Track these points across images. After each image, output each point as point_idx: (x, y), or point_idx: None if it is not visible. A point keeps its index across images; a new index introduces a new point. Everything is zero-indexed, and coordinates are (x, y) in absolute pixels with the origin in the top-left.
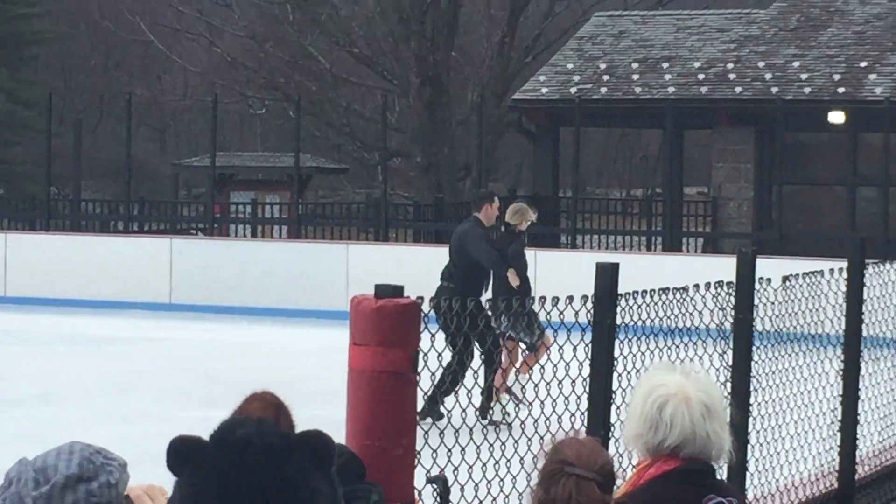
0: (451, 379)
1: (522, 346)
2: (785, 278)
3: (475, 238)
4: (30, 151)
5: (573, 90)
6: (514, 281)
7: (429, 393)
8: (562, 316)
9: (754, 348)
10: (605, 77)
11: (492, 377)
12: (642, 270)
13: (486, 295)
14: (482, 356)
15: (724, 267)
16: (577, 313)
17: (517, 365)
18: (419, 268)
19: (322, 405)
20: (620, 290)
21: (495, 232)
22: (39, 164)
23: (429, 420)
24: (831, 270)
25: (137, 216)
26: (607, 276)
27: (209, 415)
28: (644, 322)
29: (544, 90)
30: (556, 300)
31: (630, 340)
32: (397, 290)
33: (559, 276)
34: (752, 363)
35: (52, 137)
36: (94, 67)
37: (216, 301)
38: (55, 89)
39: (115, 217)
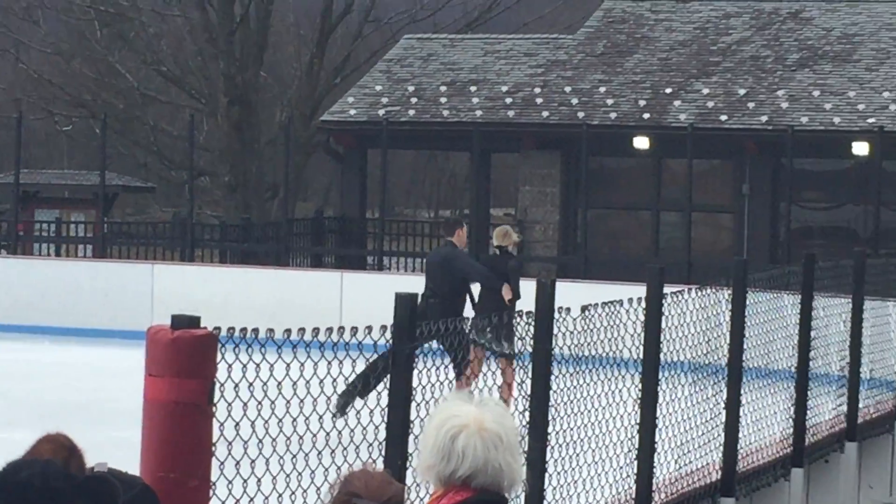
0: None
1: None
2: (584, 308)
3: (465, 258)
4: None
5: (381, 112)
6: (507, 295)
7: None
8: (360, 344)
9: (553, 377)
10: (414, 99)
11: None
12: None
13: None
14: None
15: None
16: (375, 343)
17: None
18: (225, 288)
19: (124, 427)
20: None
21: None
22: None
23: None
24: (630, 300)
25: None
26: (406, 305)
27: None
28: (444, 350)
29: (352, 111)
30: (354, 330)
31: (428, 370)
32: (193, 321)
33: (365, 298)
34: (551, 392)
35: None
36: None
37: (19, 320)
38: None
39: None
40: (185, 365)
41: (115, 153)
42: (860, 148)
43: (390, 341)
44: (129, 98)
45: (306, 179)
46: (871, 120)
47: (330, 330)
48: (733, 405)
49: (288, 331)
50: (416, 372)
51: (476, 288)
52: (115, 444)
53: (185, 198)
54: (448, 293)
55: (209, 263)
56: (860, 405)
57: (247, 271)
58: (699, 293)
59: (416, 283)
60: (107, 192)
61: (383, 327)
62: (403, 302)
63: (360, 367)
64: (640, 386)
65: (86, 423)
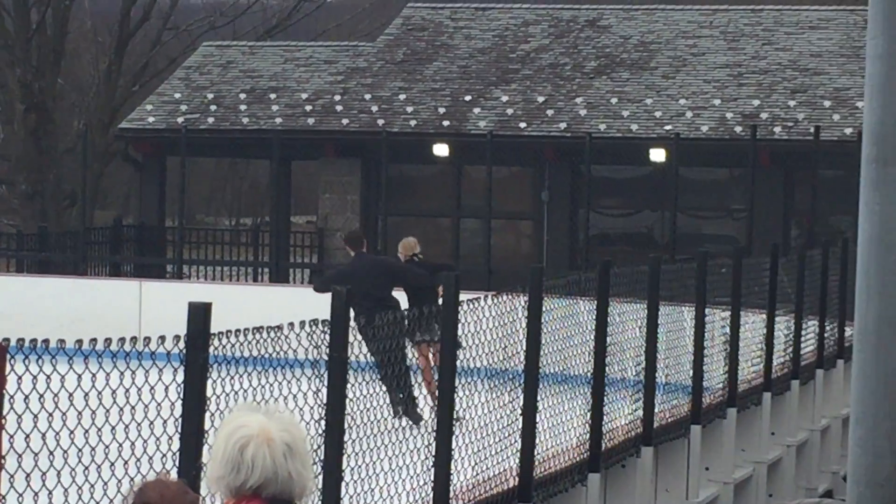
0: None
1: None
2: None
3: (404, 264)
4: None
5: (180, 120)
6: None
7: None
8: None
9: (349, 385)
10: (213, 107)
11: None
12: (249, 302)
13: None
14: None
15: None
16: (169, 353)
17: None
18: (22, 298)
19: None
20: (226, 323)
21: None
22: None
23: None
24: (422, 309)
25: None
26: (200, 315)
27: None
28: (238, 360)
29: (151, 119)
30: (147, 340)
31: (223, 379)
32: None
33: (164, 307)
34: (347, 400)
35: None
36: None
37: None
38: None
39: None
40: None
41: None
42: (657, 154)
43: (184, 351)
44: None
45: (105, 188)
46: (668, 127)
47: (122, 340)
48: (530, 411)
49: (80, 341)
50: (209, 381)
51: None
52: None
53: None
54: (386, 297)
55: (5, 273)
56: (656, 410)
57: (43, 281)
58: (496, 300)
59: (216, 292)
60: None
61: (177, 337)
62: (197, 311)
63: (154, 376)
64: (437, 393)
65: None
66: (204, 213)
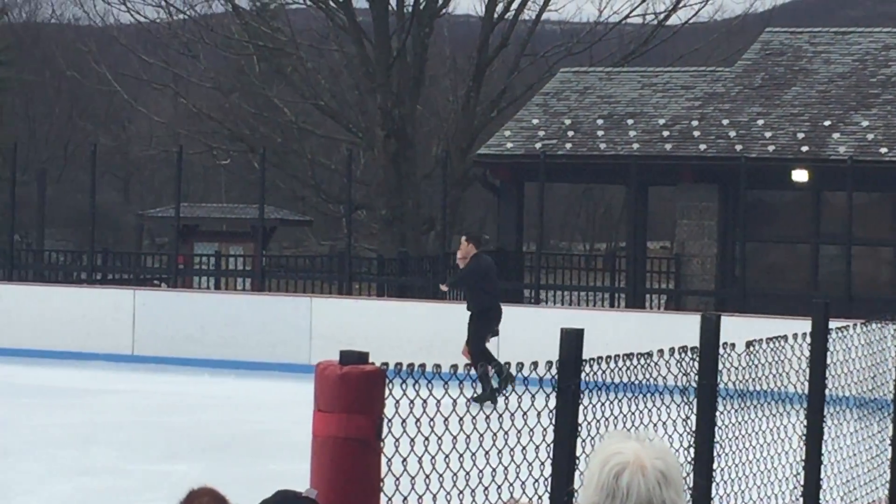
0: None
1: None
2: (749, 344)
3: None
4: None
5: (538, 145)
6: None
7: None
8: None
9: (718, 413)
10: (570, 133)
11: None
12: (606, 327)
13: None
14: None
15: (688, 325)
16: (541, 379)
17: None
18: (382, 322)
19: (284, 460)
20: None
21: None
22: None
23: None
24: (794, 335)
25: (101, 266)
26: (572, 341)
27: (170, 469)
28: (608, 386)
29: (509, 145)
30: (520, 365)
31: (594, 406)
32: (362, 357)
33: (522, 331)
34: (716, 428)
35: (15, 186)
36: (58, 116)
37: (179, 353)
38: (19, 138)
39: (78, 267)
40: (353, 401)
41: (273, 187)
42: None
43: (555, 377)
44: (287, 132)
45: (462, 213)
46: None
47: (497, 365)
48: None
49: (454, 366)
50: (581, 407)
51: None
52: (274, 477)
53: (343, 231)
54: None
55: (366, 297)
56: None
57: (403, 305)
58: (864, 328)
59: (572, 317)
60: (265, 225)
61: (549, 363)
62: (569, 338)
63: (526, 402)
64: (805, 421)
65: (246, 457)
66: (557, 237)
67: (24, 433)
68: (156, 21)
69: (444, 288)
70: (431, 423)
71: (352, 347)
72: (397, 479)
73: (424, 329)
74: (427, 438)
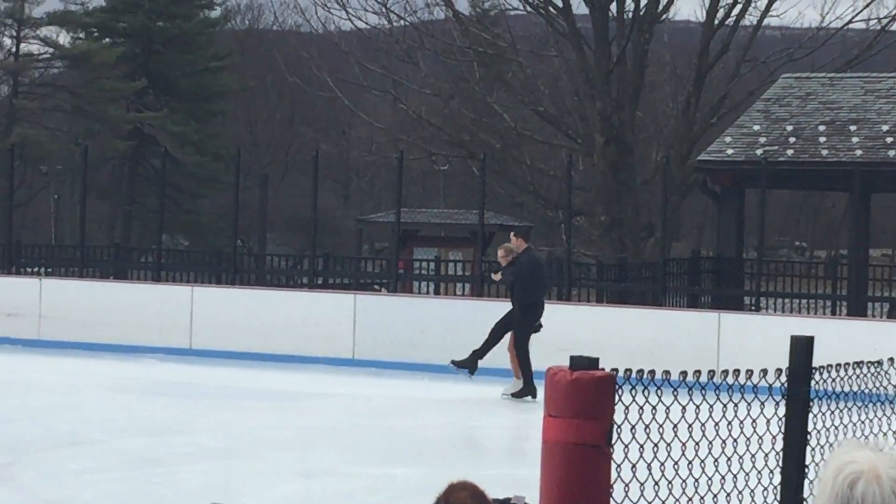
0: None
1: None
2: None
3: None
4: (215, 204)
5: (759, 151)
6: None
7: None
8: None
9: None
10: (792, 139)
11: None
12: (829, 335)
13: None
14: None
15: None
16: (770, 387)
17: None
18: (602, 328)
19: (508, 465)
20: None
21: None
22: (224, 217)
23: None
24: None
25: (322, 271)
26: (803, 349)
27: (390, 472)
28: (837, 395)
29: (730, 151)
30: (749, 373)
31: (823, 414)
32: (592, 363)
33: (742, 339)
34: None
35: (239, 191)
36: (279, 121)
37: (398, 357)
38: (241, 143)
39: (299, 271)
40: (584, 406)
41: (491, 192)
42: None
43: (784, 385)
44: (507, 138)
45: (679, 219)
46: None
47: (725, 372)
48: None
49: (684, 373)
50: (810, 416)
51: None
52: (495, 480)
53: (561, 237)
54: None
55: (586, 303)
56: None
57: (624, 311)
58: None
59: (793, 325)
60: (484, 231)
61: (778, 370)
62: (800, 345)
63: (756, 409)
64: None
65: (465, 461)
66: (777, 244)
67: (247, 435)
68: (376, 27)
69: (495, 277)
70: (661, 430)
71: (573, 353)
72: (626, 485)
73: (645, 335)
74: (656, 445)
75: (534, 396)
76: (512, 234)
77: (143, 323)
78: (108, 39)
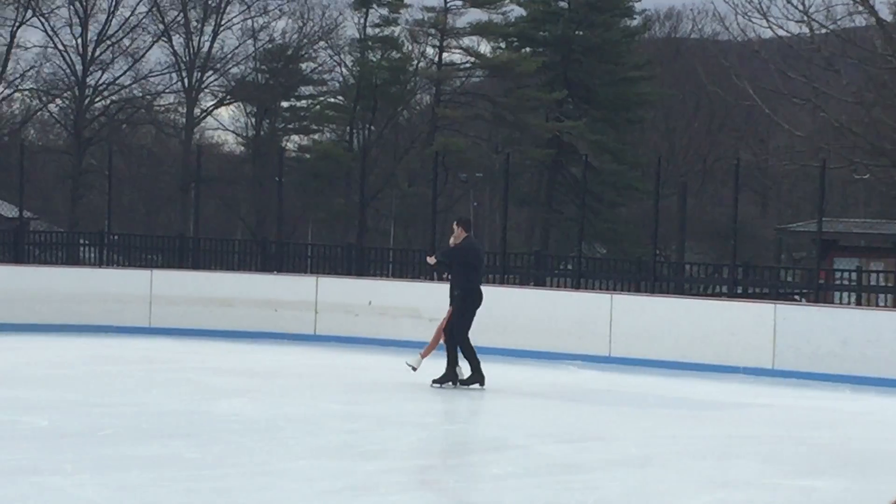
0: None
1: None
2: None
3: None
4: (632, 212)
5: None
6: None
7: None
8: None
9: None
10: None
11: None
12: None
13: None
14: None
15: None
16: None
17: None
18: None
19: None
20: None
21: None
22: (641, 225)
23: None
24: None
25: (741, 280)
26: None
27: (813, 484)
28: None
29: None
30: None
31: None
32: None
33: None
34: None
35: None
36: (697, 130)
37: (819, 369)
38: (659, 151)
39: (717, 280)
40: None
41: None
42: None
43: None
44: None
45: None
46: None
47: None
48: None
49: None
50: None
51: None
52: None
53: None
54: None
55: None
56: None
57: None
58: None
59: None
60: None
61: None
62: None
63: None
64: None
65: (887, 475)
66: None
67: (666, 444)
68: (797, 35)
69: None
70: None
71: None
72: None
73: None
74: None
75: (482, 384)
76: (454, 223)
77: (563, 329)
78: (528, 49)
